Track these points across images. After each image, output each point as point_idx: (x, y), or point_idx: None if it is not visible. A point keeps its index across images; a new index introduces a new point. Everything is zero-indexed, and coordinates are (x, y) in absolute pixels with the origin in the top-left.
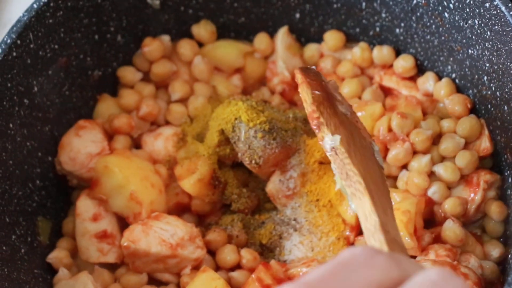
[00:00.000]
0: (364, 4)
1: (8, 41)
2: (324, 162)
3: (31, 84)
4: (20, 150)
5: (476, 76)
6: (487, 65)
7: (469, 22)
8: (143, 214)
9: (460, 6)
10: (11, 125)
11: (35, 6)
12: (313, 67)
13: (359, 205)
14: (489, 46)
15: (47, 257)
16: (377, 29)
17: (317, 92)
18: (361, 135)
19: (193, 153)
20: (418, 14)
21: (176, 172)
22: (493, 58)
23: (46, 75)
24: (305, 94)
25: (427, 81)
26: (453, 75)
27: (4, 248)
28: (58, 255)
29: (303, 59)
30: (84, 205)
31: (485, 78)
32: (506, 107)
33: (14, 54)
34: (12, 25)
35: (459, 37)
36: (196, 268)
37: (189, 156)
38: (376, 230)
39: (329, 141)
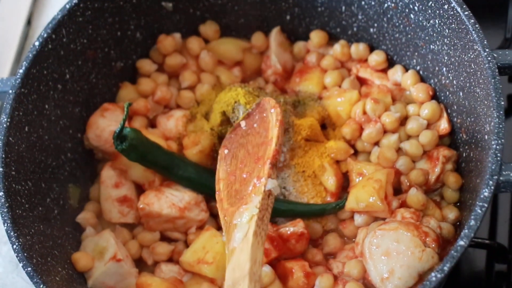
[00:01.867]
0: (343, 8)
1: (45, 35)
2: (310, 139)
3: (63, 72)
4: (54, 127)
5: (437, 68)
6: (446, 58)
7: (431, 21)
8: (156, 182)
9: (423, 8)
10: (46, 106)
11: (67, 6)
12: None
13: (253, 247)
14: (447, 41)
15: (76, 217)
16: (355, 29)
17: (281, 138)
18: None
19: (199, 128)
20: (389, 16)
21: (184, 142)
22: (450, 52)
23: (76, 65)
24: (278, 133)
25: (396, 73)
26: (418, 67)
27: (40, 208)
28: (85, 216)
29: (293, 54)
30: (108, 175)
31: (444, 69)
32: (461, 93)
33: (50, 46)
34: (48, 22)
35: (422, 34)
36: (200, 228)
37: (196, 131)
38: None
39: (272, 184)
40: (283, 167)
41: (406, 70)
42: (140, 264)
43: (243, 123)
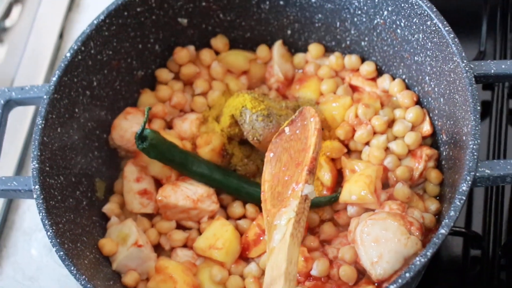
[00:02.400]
0: (338, 24)
1: (75, 47)
2: None
3: (91, 80)
4: (83, 128)
5: (420, 77)
6: (428, 68)
7: (415, 36)
8: (173, 177)
9: (408, 24)
10: (76, 110)
11: (95, 22)
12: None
13: (290, 248)
14: (430, 53)
15: (102, 208)
16: (348, 42)
17: (319, 146)
18: None
19: (211, 130)
20: (378, 31)
21: (197, 142)
22: (432, 63)
23: (102, 73)
24: (316, 140)
25: (384, 81)
26: (403, 76)
27: (71, 200)
28: (110, 207)
29: (293, 65)
30: (130, 170)
31: (427, 78)
32: (442, 99)
33: (79, 57)
34: (78, 36)
35: (408, 47)
36: (211, 217)
37: (208, 132)
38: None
39: (309, 189)
40: None
41: (393, 78)
42: (158, 249)
43: (287, 129)
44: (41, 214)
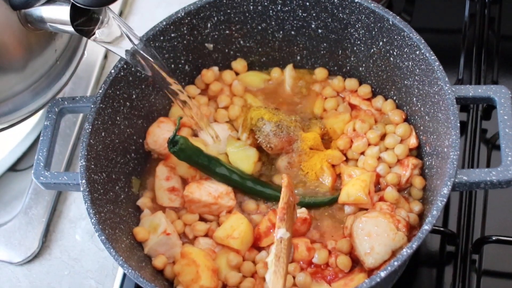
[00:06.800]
0: (340, 52)
1: (119, 65)
2: (313, 148)
3: (131, 93)
4: (123, 134)
5: (409, 98)
6: (416, 91)
7: (405, 63)
8: (197, 177)
9: (400, 53)
10: (118, 118)
11: None
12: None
13: (275, 282)
14: (418, 78)
15: (137, 201)
16: (348, 67)
17: (291, 199)
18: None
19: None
20: (374, 58)
21: None
22: (419, 86)
23: (140, 88)
24: (284, 195)
25: (378, 101)
26: (394, 97)
27: (111, 193)
28: (143, 201)
29: None
30: (161, 170)
31: (414, 99)
32: (427, 117)
33: (122, 73)
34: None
35: (399, 73)
36: (229, 212)
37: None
38: None
39: (282, 232)
40: (295, 168)
41: (386, 99)
42: (183, 237)
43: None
44: (86, 204)
